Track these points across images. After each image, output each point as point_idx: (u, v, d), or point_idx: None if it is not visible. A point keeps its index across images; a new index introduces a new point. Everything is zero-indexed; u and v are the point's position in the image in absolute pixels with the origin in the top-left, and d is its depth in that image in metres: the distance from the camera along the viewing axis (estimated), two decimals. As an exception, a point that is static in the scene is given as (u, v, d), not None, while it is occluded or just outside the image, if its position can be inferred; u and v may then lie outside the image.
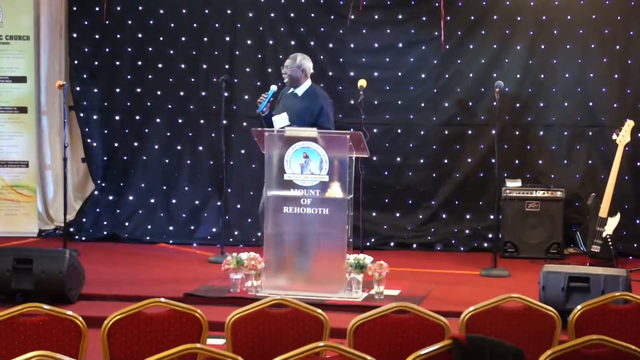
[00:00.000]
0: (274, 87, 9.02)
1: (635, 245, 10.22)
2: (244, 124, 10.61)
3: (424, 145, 10.81)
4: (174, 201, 11.17)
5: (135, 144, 11.26)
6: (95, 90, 11.27)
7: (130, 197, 11.25)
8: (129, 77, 11.21)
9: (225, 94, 9.63)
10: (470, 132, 10.71)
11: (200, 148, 11.14)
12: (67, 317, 4.72)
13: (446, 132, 10.77)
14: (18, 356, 3.74)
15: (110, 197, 11.28)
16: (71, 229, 10.80)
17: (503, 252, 10.02)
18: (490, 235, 10.25)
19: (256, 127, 8.54)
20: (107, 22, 11.15)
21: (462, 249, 10.51)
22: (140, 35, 11.20)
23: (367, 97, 9.59)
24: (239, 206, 10.93)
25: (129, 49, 11.20)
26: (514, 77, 10.57)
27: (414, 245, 10.65)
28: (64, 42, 11.43)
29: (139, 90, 11.20)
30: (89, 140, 11.30)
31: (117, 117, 11.27)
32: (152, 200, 11.20)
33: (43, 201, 11.47)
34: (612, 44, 10.46)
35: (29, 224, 11.18)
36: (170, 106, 11.16)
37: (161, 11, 11.14)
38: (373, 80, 10.32)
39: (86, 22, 11.24)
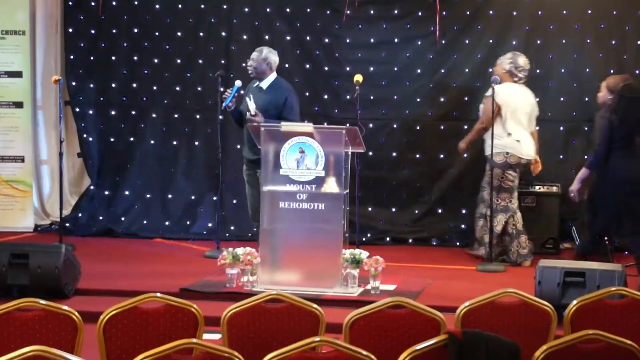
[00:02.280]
0: (238, 83, 9.13)
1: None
2: (240, 119, 10.61)
3: (420, 141, 10.82)
4: (169, 196, 11.18)
5: (131, 139, 11.26)
6: (91, 85, 11.27)
7: (126, 192, 11.25)
8: (124, 72, 11.21)
9: (221, 89, 9.63)
10: (466, 127, 10.69)
11: (196, 143, 11.14)
12: (63, 312, 4.72)
13: (442, 127, 10.78)
14: (14, 351, 3.74)
15: (106, 192, 11.28)
16: (67, 224, 10.80)
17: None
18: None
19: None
20: (102, 17, 11.15)
21: (457, 244, 10.51)
22: (136, 31, 11.20)
23: (363, 92, 9.57)
24: (234, 201, 10.93)
25: (125, 44, 11.20)
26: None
27: (410, 240, 10.66)
28: (59, 37, 11.42)
29: (134, 85, 11.20)
30: (84, 135, 11.30)
31: (113, 112, 11.27)
32: (148, 196, 11.21)
33: (39, 196, 11.47)
34: (608, 39, 10.47)
35: (25, 219, 11.19)
36: (166, 101, 11.17)
37: (157, 6, 11.13)
38: (369, 76, 10.32)
39: (82, 17, 11.24)
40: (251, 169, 9.19)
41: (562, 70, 10.56)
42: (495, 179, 9.39)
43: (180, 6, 11.08)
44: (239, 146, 10.81)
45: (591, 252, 8.86)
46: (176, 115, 11.18)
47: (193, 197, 11.14)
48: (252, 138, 8.74)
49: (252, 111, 8.87)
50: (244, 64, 10.70)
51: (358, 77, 9.35)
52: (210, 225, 10.87)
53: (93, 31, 11.22)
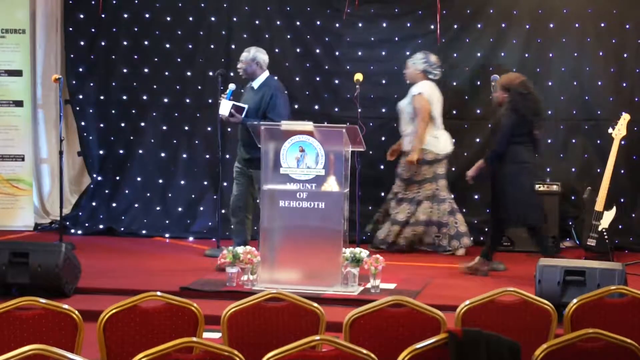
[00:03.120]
0: (232, 86, 9.19)
1: (631, 238, 10.24)
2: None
3: (420, 139, 10.80)
4: (170, 195, 11.19)
5: (131, 137, 11.26)
6: (91, 84, 11.27)
7: (126, 191, 11.25)
8: (124, 70, 11.21)
9: (221, 88, 9.63)
10: (466, 125, 10.72)
11: (196, 142, 11.14)
12: (63, 310, 4.72)
13: (442, 126, 10.77)
14: (14, 350, 3.74)
15: (107, 191, 11.28)
16: (67, 223, 10.82)
17: (499, 245, 10.01)
18: (486, 229, 10.22)
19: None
20: (102, 15, 11.15)
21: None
22: (136, 29, 11.19)
23: (363, 90, 9.58)
24: (235, 200, 10.92)
25: (125, 43, 11.20)
26: (510, 71, 10.56)
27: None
28: (59, 35, 11.43)
29: (134, 84, 11.20)
30: (85, 134, 11.31)
31: (113, 111, 11.27)
32: (148, 194, 11.21)
33: (39, 195, 11.47)
34: (608, 38, 10.47)
35: (25, 217, 11.19)
36: (166, 100, 11.17)
37: (157, 5, 11.13)
38: (369, 74, 10.30)
39: (82, 16, 11.24)
40: (243, 167, 9.20)
41: (562, 69, 10.56)
42: (407, 172, 9.93)
43: (180, 5, 11.08)
44: (239, 145, 10.84)
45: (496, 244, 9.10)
46: (176, 114, 11.17)
47: (193, 196, 11.14)
48: (246, 137, 8.79)
49: (225, 114, 8.93)
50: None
51: (358, 76, 9.36)
52: (210, 223, 10.87)
53: (93, 30, 11.22)
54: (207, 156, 11.01)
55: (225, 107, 8.98)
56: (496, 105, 9.05)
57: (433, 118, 9.90)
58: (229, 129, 10.75)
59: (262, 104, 8.98)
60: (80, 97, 11.29)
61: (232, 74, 10.70)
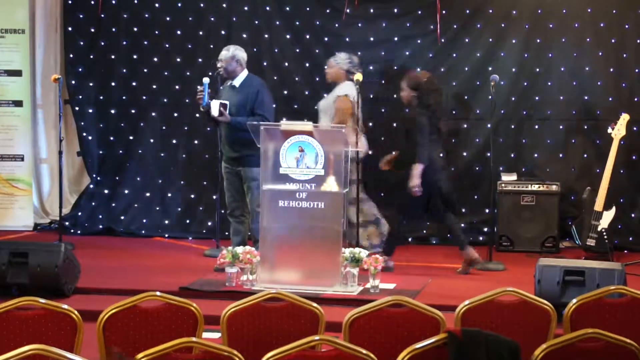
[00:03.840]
0: (206, 80, 9.23)
1: (630, 238, 10.24)
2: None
3: (420, 139, 10.79)
4: (169, 195, 11.18)
5: (131, 137, 11.26)
6: (91, 84, 11.27)
7: (126, 191, 11.25)
8: (124, 70, 11.21)
9: (221, 88, 9.63)
10: (465, 125, 10.72)
11: (196, 142, 11.14)
12: (62, 310, 4.72)
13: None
14: (13, 350, 3.74)
15: (106, 191, 11.28)
16: (67, 223, 10.82)
17: (498, 245, 10.03)
18: (485, 229, 10.24)
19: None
20: (102, 15, 11.15)
21: (457, 242, 10.50)
22: (135, 29, 11.19)
23: (363, 91, 9.57)
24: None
25: (124, 43, 11.20)
26: (510, 71, 10.58)
27: (410, 239, 10.64)
28: (59, 35, 11.43)
29: (134, 84, 11.20)
30: (84, 134, 11.31)
31: (113, 111, 11.27)
32: (148, 194, 11.20)
33: (38, 195, 11.47)
34: (608, 38, 10.47)
35: (25, 217, 11.19)
36: (165, 100, 11.16)
37: (156, 5, 11.13)
38: (368, 74, 10.30)
39: (81, 16, 11.24)
40: (230, 166, 9.19)
41: (562, 69, 10.56)
42: (361, 173, 9.52)
43: (179, 5, 11.08)
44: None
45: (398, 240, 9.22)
46: (176, 114, 11.17)
47: (192, 196, 11.14)
48: (230, 136, 8.82)
49: (214, 112, 8.95)
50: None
51: (358, 76, 9.33)
52: (209, 224, 10.87)
53: (93, 30, 11.22)
54: (207, 156, 10.99)
55: (214, 106, 8.98)
56: (406, 105, 9.13)
57: (355, 120, 9.58)
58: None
59: (248, 102, 8.99)
60: (80, 97, 11.29)
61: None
